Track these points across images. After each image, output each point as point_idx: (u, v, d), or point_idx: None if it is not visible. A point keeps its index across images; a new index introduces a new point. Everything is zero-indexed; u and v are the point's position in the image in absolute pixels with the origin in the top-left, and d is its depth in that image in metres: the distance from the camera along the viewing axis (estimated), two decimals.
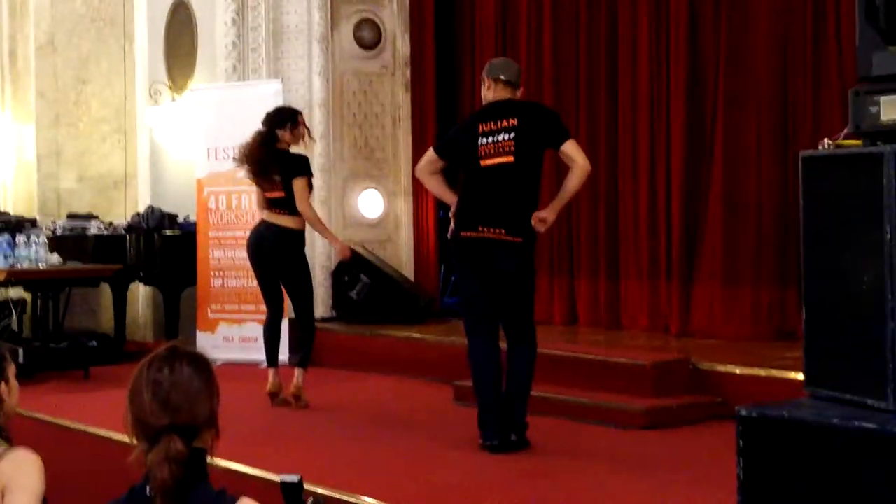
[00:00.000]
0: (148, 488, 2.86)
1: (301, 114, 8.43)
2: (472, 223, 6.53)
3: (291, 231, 8.15)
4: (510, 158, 6.46)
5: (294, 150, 8.28)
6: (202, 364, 3.00)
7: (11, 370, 3.73)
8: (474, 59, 11.15)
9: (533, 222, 6.43)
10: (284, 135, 8.17)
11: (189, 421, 2.90)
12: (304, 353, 8.30)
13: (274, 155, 8.14)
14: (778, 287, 8.86)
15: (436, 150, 6.82)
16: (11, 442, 3.61)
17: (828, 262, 4.06)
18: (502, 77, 6.66)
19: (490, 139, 6.51)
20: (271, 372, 8.32)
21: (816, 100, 8.67)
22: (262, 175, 8.15)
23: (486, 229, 6.48)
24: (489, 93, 6.68)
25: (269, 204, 8.20)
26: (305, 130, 8.33)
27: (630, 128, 9.80)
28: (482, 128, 6.55)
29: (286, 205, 8.10)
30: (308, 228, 8.29)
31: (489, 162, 6.52)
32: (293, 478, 3.16)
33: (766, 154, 8.95)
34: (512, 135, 6.46)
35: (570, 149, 6.49)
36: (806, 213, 4.16)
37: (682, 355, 8.02)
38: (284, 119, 8.23)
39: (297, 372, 8.23)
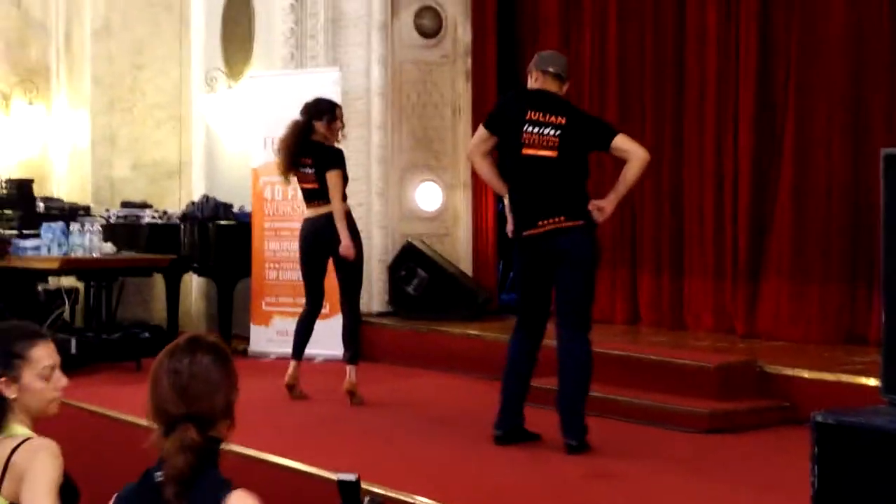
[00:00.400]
0: (157, 473, 2.95)
1: (340, 108, 8.43)
2: (531, 220, 6.51)
3: (329, 216, 8.17)
4: (553, 153, 6.46)
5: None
6: (222, 355, 3.10)
7: (30, 367, 3.67)
8: (536, 49, 10.95)
9: (591, 209, 6.44)
10: (321, 127, 8.19)
11: (205, 411, 2.99)
12: (354, 348, 8.24)
13: (308, 146, 8.18)
14: (847, 287, 8.67)
15: (485, 126, 6.79)
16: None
17: None
18: (551, 70, 6.64)
19: (536, 129, 6.48)
20: (294, 364, 8.34)
21: (891, 94, 8.50)
22: (293, 166, 8.22)
23: (545, 222, 6.46)
24: (536, 84, 6.67)
25: (306, 197, 8.35)
26: (342, 126, 8.30)
27: (697, 120, 9.60)
28: (531, 115, 6.52)
29: (321, 195, 8.16)
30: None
31: (530, 152, 6.50)
32: (350, 476, 3.16)
33: (837, 149, 8.74)
34: (559, 132, 6.45)
35: (622, 142, 6.49)
36: (887, 212, 4.03)
37: (748, 357, 7.88)
38: (322, 111, 8.24)
39: (350, 368, 8.16)
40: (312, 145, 8.18)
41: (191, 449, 2.91)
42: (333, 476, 5.64)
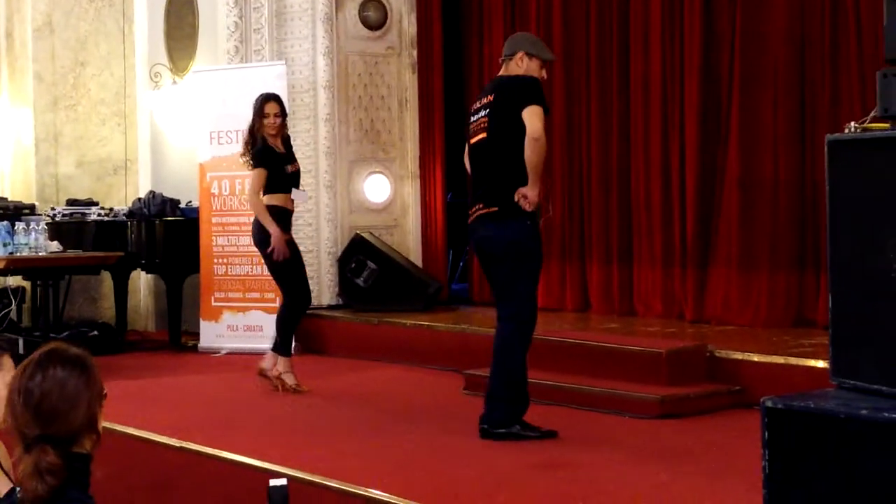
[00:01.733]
0: (18, 491, 2.82)
1: (272, 101, 8.34)
2: (468, 209, 6.59)
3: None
4: (485, 135, 6.44)
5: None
6: (80, 366, 2.91)
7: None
8: (482, 40, 11.02)
9: (516, 198, 6.28)
10: (259, 124, 8.25)
11: (63, 429, 2.82)
12: (279, 337, 8.31)
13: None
14: (795, 272, 8.74)
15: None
16: None
17: (855, 249, 4.01)
18: (504, 54, 6.63)
19: (474, 117, 6.53)
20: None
21: (834, 81, 8.53)
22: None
23: (472, 210, 6.54)
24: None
25: None
26: (275, 120, 8.23)
27: (642, 110, 9.63)
28: (473, 107, 6.60)
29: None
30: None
31: (473, 140, 6.56)
32: (281, 482, 3.13)
33: (783, 137, 8.80)
34: (487, 111, 6.43)
35: (526, 115, 6.25)
36: (832, 198, 4.10)
37: (699, 342, 7.89)
38: (256, 108, 8.31)
39: (277, 357, 8.29)
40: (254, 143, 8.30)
41: (48, 472, 2.76)
42: (284, 471, 5.68)
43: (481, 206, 6.42)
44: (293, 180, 8.33)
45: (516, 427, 6.42)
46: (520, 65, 6.47)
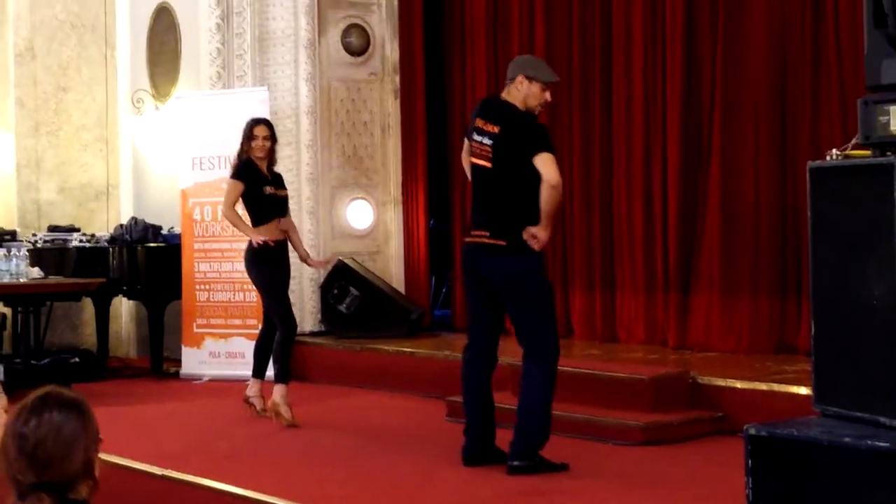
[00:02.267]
0: None
1: (260, 125, 8.32)
2: (470, 228, 6.55)
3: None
4: (489, 164, 6.39)
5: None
6: (77, 410, 2.85)
7: None
8: (464, 66, 11.03)
9: (525, 237, 6.22)
10: (248, 147, 8.19)
11: (59, 476, 2.75)
12: (278, 366, 8.12)
13: None
14: (777, 298, 8.74)
15: (466, 134, 6.77)
16: None
17: (837, 276, 4.04)
18: (508, 76, 6.56)
19: (479, 138, 6.45)
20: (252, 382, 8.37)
21: (815, 108, 8.55)
22: None
23: (475, 233, 6.45)
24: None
25: None
26: (263, 143, 8.18)
27: (625, 136, 9.64)
28: (478, 122, 6.49)
29: (251, 216, 8.23)
30: (303, 242, 8.19)
31: (475, 161, 6.50)
32: None
33: (764, 163, 8.81)
34: (492, 142, 6.37)
35: (539, 162, 6.20)
36: (814, 225, 4.12)
37: (681, 369, 7.89)
38: (244, 132, 8.25)
39: (275, 387, 8.07)
40: None
41: None
42: (267, 499, 5.66)
43: (487, 234, 6.33)
44: (273, 204, 8.18)
45: (538, 459, 6.32)
46: (520, 89, 6.41)
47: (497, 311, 6.48)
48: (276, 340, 8.10)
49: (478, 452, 6.46)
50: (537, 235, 6.18)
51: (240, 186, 8.09)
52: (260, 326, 8.62)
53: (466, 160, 6.65)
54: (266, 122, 8.41)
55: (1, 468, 2.79)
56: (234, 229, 8.68)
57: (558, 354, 6.40)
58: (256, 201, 8.14)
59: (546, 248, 6.48)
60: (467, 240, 6.55)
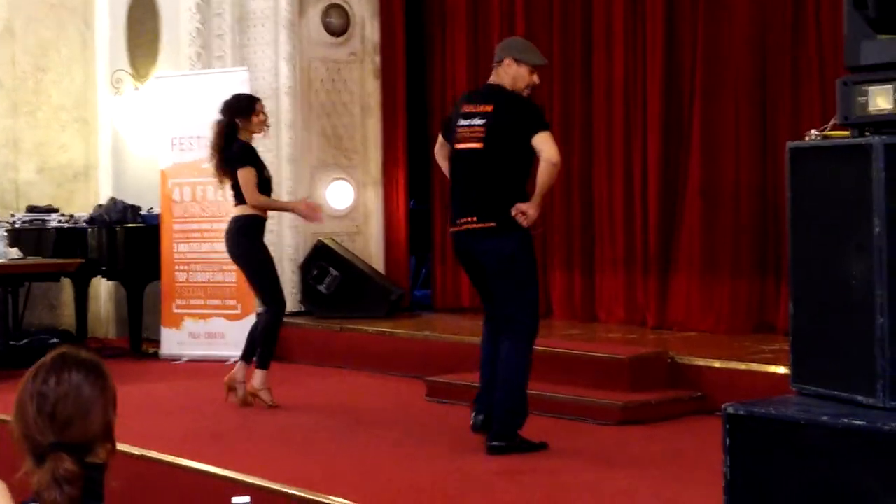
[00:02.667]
0: None
1: (259, 101, 8.23)
2: (455, 217, 6.48)
3: (238, 218, 7.95)
4: (480, 145, 6.35)
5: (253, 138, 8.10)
6: (95, 371, 2.78)
7: None
8: (444, 47, 11.02)
9: (513, 213, 6.23)
10: (243, 123, 7.97)
11: (79, 437, 2.69)
12: (260, 350, 7.97)
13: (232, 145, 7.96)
14: (756, 279, 8.79)
15: (440, 130, 6.78)
16: None
17: (815, 256, 4.04)
18: (495, 60, 6.57)
19: (467, 122, 6.43)
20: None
21: (795, 90, 8.59)
22: (224, 167, 7.96)
23: (462, 220, 6.42)
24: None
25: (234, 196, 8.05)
26: (264, 118, 8.10)
27: (605, 117, 9.67)
28: (465, 108, 6.50)
29: (237, 197, 7.94)
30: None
31: (461, 146, 6.46)
32: (244, 499, 3.03)
33: (744, 144, 8.85)
34: (485, 120, 6.35)
35: (539, 141, 6.25)
36: (793, 205, 4.12)
37: (660, 349, 7.93)
38: (243, 107, 8.02)
39: (255, 372, 7.97)
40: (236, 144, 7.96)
41: (66, 480, 2.62)
42: (248, 479, 5.67)
43: (474, 219, 6.34)
44: (268, 186, 8.12)
45: (518, 439, 6.35)
46: (508, 71, 6.44)
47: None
48: (263, 324, 8.00)
49: (483, 422, 6.43)
50: (527, 212, 6.20)
51: (254, 172, 7.87)
52: (260, 309, 8.42)
53: (441, 155, 6.66)
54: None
55: (16, 430, 2.71)
56: (214, 210, 8.60)
57: (535, 335, 6.44)
58: (257, 185, 7.95)
59: (539, 224, 6.52)
60: (453, 229, 6.50)
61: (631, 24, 9.48)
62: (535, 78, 6.48)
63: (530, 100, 6.52)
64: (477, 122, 6.37)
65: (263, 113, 8.09)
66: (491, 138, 6.31)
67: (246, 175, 7.84)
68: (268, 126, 8.25)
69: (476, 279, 6.61)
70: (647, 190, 9.36)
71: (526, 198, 6.27)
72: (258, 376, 7.90)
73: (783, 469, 3.77)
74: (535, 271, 6.50)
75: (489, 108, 6.35)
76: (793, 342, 4.08)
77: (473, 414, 6.48)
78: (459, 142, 6.45)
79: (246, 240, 7.94)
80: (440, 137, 6.70)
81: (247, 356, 8.03)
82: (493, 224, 6.29)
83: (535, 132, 6.25)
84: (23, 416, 2.69)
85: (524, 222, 6.23)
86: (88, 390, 2.73)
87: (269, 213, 8.24)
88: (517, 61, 6.43)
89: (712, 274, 8.94)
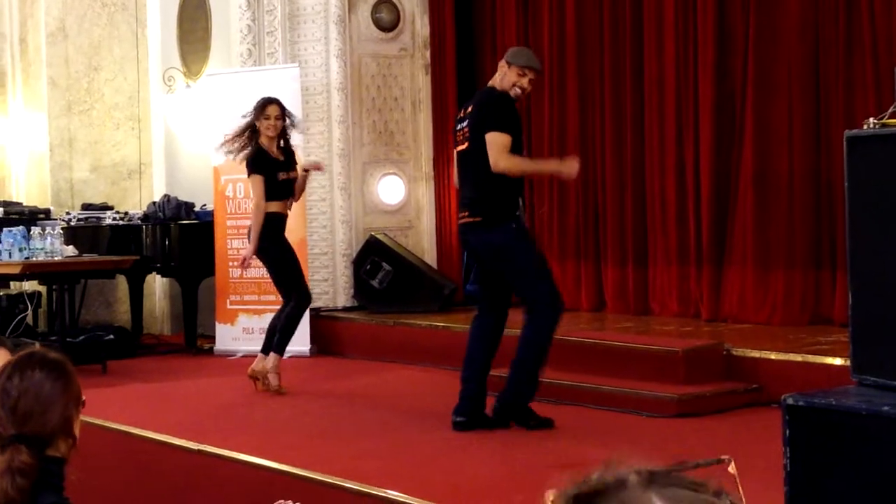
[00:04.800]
0: None
1: (273, 104, 8.37)
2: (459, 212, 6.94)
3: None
4: (466, 145, 6.73)
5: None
6: (58, 369, 2.98)
7: None
8: (495, 41, 11.00)
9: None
10: (259, 127, 8.28)
11: (38, 430, 2.87)
12: (278, 337, 8.32)
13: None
14: (811, 270, 8.71)
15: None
16: None
17: (874, 245, 3.99)
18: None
19: (459, 125, 6.82)
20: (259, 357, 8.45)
21: (848, 79, 8.48)
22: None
23: (460, 215, 6.84)
24: None
25: None
26: (276, 123, 8.26)
27: (657, 110, 9.61)
28: (460, 112, 6.92)
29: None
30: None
31: (457, 148, 6.87)
32: None
33: (797, 135, 8.76)
34: (468, 122, 6.71)
35: (488, 140, 6.55)
36: (851, 194, 4.07)
37: (715, 341, 7.85)
38: (256, 111, 8.34)
39: (270, 356, 8.30)
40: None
41: (20, 472, 2.79)
42: (299, 470, 5.68)
43: (466, 214, 6.71)
44: (286, 187, 8.33)
45: (525, 410, 6.65)
46: (499, 73, 6.78)
47: (497, 283, 6.76)
48: (287, 313, 8.29)
49: (470, 417, 6.70)
50: (561, 174, 7.17)
51: (261, 180, 8.19)
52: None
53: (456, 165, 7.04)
54: (279, 102, 8.43)
55: None
56: None
57: (555, 318, 6.66)
58: (270, 187, 8.23)
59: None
60: (459, 222, 6.93)
61: (682, 17, 9.42)
62: (524, 81, 6.71)
63: (505, 99, 6.69)
64: (464, 123, 6.73)
65: (274, 117, 8.28)
66: (473, 137, 6.64)
67: (253, 185, 8.28)
68: (283, 131, 8.38)
69: (476, 270, 7.07)
70: (699, 182, 9.30)
71: (515, 192, 6.60)
72: (271, 359, 8.21)
73: (844, 460, 3.75)
74: (534, 257, 6.76)
75: (471, 109, 6.72)
76: (852, 332, 4.05)
77: (456, 412, 6.77)
78: (456, 144, 6.83)
79: (263, 238, 8.20)
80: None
81: (266, 350, 8.37)
82: (479, 218, 6.62)
83: (488, 130, 6.54)
84: None
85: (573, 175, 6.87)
86: (49, 387, 2.93)
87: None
88: (508, 64, 6.75)
89: (766, 266, 8.87)
